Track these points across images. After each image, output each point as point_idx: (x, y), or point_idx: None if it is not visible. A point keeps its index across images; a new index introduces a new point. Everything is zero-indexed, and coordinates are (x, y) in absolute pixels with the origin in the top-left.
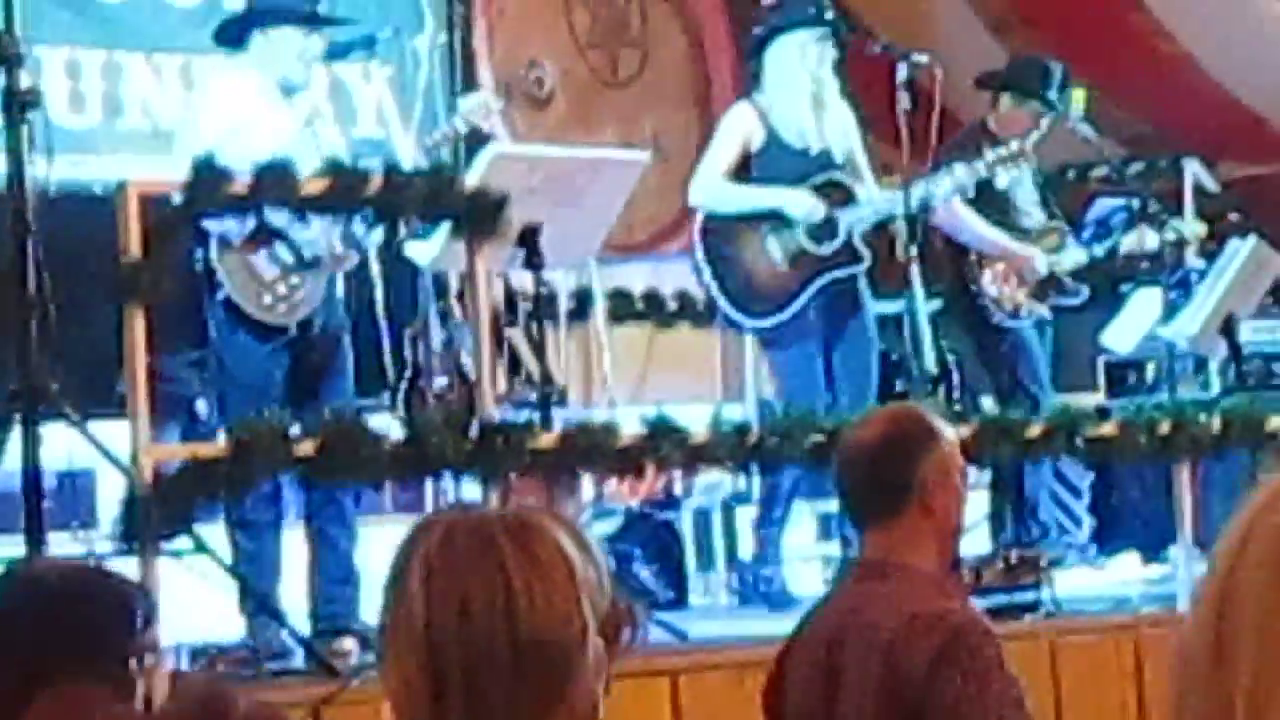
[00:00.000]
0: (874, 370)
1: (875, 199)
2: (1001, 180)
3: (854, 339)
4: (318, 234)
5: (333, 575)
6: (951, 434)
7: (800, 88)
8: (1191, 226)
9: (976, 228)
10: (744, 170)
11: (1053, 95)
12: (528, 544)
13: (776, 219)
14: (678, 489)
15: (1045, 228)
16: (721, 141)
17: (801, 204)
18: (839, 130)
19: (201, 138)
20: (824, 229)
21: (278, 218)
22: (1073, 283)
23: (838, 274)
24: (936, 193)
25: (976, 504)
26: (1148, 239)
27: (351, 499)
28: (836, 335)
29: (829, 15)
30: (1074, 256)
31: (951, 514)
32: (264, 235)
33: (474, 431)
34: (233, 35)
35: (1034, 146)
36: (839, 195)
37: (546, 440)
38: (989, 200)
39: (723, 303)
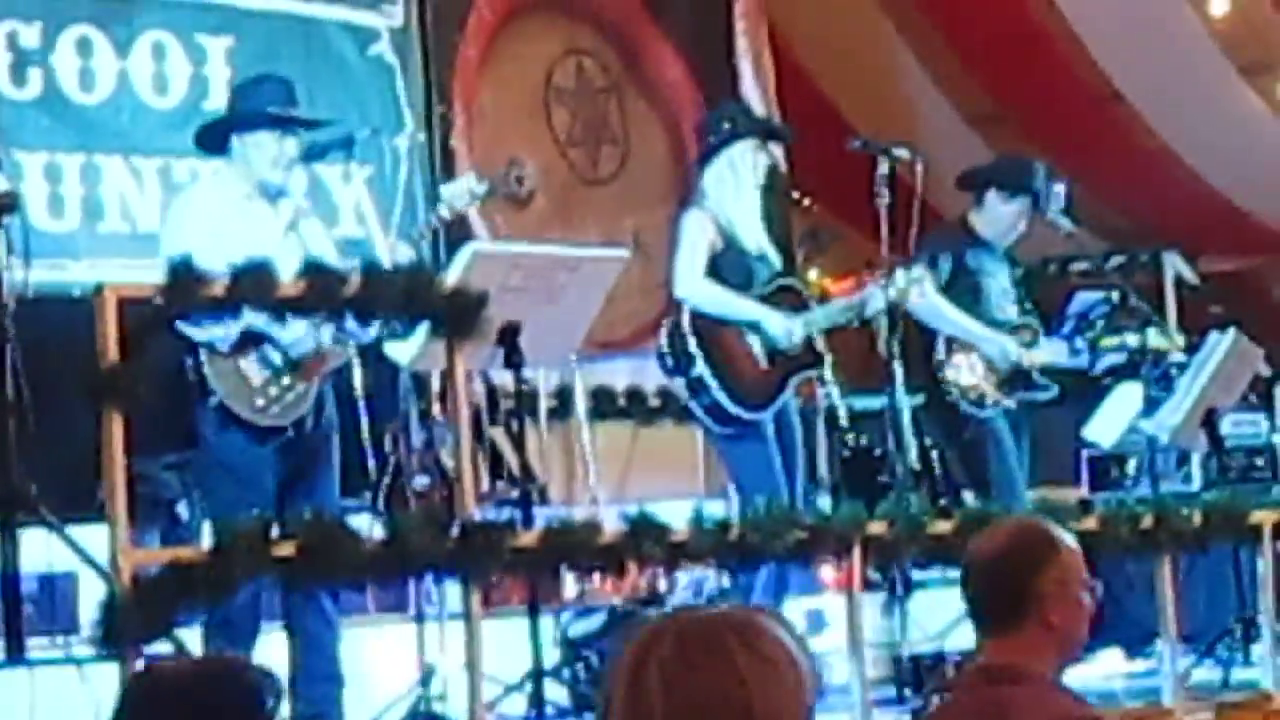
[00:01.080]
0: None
1: (827, 308)
2: (914, 297)
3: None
4: (304, 333)
5: (315, 675)
6: (1072, 545)
7: (749, 195)
8: (1171, 338)
9: (950, 314)
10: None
11: (1038, 191)
12: (755, 643)
13: (755, 327)
14: (661, 586)
15: (1018, 323)
16: (693, 244)
17: (781, 325)
18: (765, 234)
19: (184, 241)
20: None
21: (260, 320)
22: (1043, 379)
23: (806, 374)
24: (881, 300)
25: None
26: (1128, 339)
27: (330, 597)
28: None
29: (770, 123)
30: (1050, 351)
31: (1071, 624)
32: (250, 341)
33: (454, 531)
34: (212, 140)
35: (1016, 242)
36: (792, 299)
37: (527, 539)
38: (963, 288)
39: (719, 394)
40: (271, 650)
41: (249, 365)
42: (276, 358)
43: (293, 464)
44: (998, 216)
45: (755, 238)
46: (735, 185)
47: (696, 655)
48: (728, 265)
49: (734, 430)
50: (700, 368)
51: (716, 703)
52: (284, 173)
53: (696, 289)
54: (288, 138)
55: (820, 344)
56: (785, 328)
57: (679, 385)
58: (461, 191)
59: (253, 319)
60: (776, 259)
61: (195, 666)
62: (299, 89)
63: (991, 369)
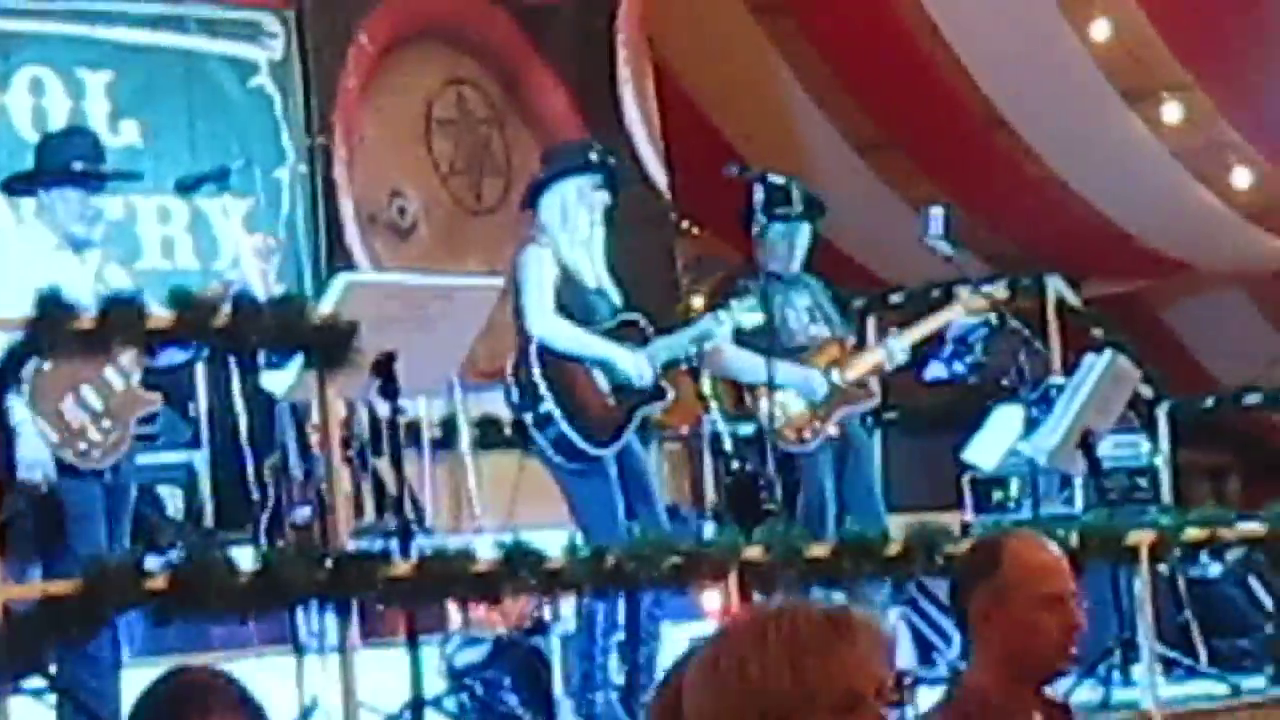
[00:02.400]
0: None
1: (667, 341)
2: (749, 320)
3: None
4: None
5: None
6: (1028, 560)
7: (582, 232)
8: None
9: (741, 363)
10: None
11: (796, 213)
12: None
13: (604, 368)
14: (546, 615)
15: (822, 342)
16: (539, 281)
17: (632, 363)
18: (604, 272)
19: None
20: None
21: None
22: (860, 391)
23: (647, 409)
24: (717, 330)
25: None
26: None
27: (111, 646)
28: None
29: (605, 161)
30: (861, 365)
31: (1016, 643)
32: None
33: (328, 562)
34: (20, 191)
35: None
36: (634, 333)
37: (402, 569)
38: (761, 328)
39: (567, 429)
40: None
41: (68, 408)
42: (96, 401)
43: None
44: (772, 243)
45: (593, 273)
46: (565, 222)
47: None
48: (569, 301)
49: (579, 466)
50: (548, 404)
51: None
52: (88, 226)
53: (550, 326)
54: (94, 194)
55: (663, 379)
56: (636, 366)
57: (526, 420)
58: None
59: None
60: (616, 294)
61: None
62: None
63: (804, 402)
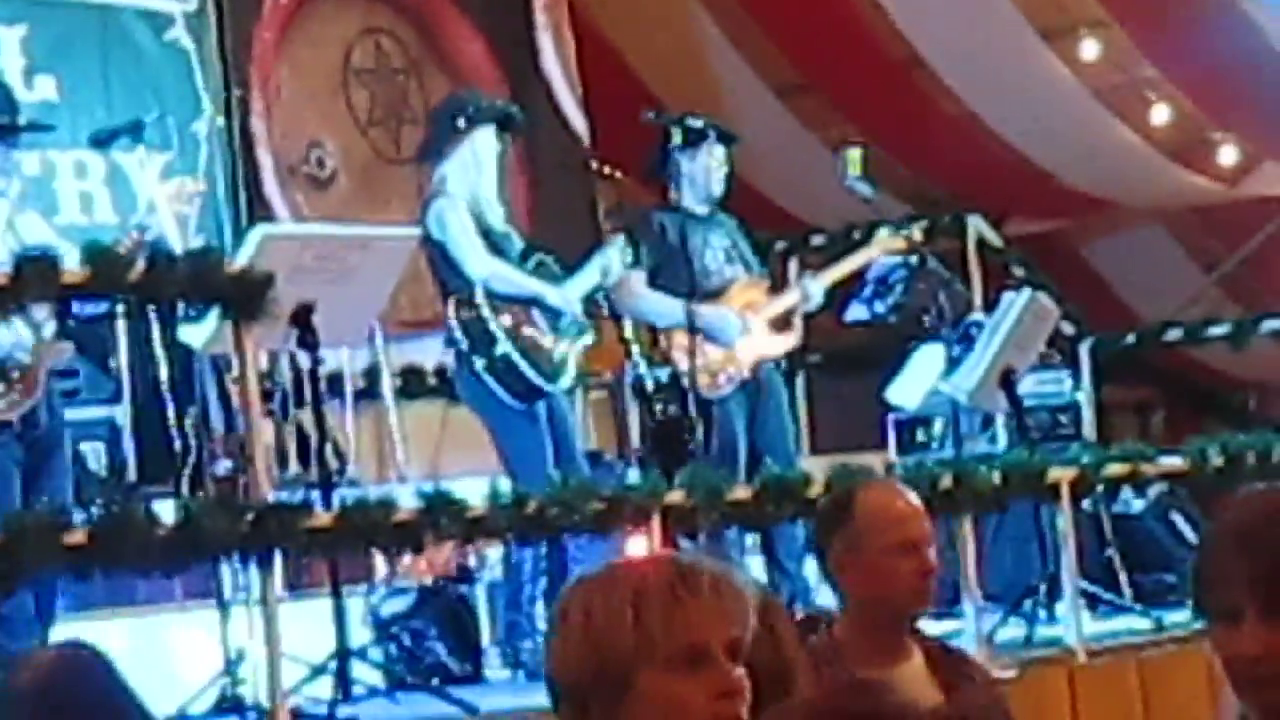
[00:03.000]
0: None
1: (576, 277)
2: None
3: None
4: (11, 341)
5: None
6: (882, 507)
7: (491, 178)
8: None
9: (648, 304)
10: None
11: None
12: None
13: (538, 305)
14: (471, 562)
15: (739, 283)
16: (464, 229)
17: (560, 298)
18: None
19: None
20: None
21: None
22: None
23: (583, 342)
24: (613, 257)
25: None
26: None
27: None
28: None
29: (505, 109)
30: (783, 302)
31: (870, 589)
32: None
33: (249, 514)
34: None
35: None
36: (548, 274)
37: (323, 519)
38: (673, 269)
39: (527, 370)
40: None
41: None
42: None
43: (30, 458)
44: (689, 178)
45: (500, 218)
46: (479, 169)
47: None
48: (488, 245)
49: (525, 408)
50: (504, 344)
51: None
52: (5, 180)
53: (491, 268)
54: (10, 148)
55: (580, 315)
56: (565, 299)
57: (478, 366)
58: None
59: None
60: (518, 238)
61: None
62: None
63: (718, 345)
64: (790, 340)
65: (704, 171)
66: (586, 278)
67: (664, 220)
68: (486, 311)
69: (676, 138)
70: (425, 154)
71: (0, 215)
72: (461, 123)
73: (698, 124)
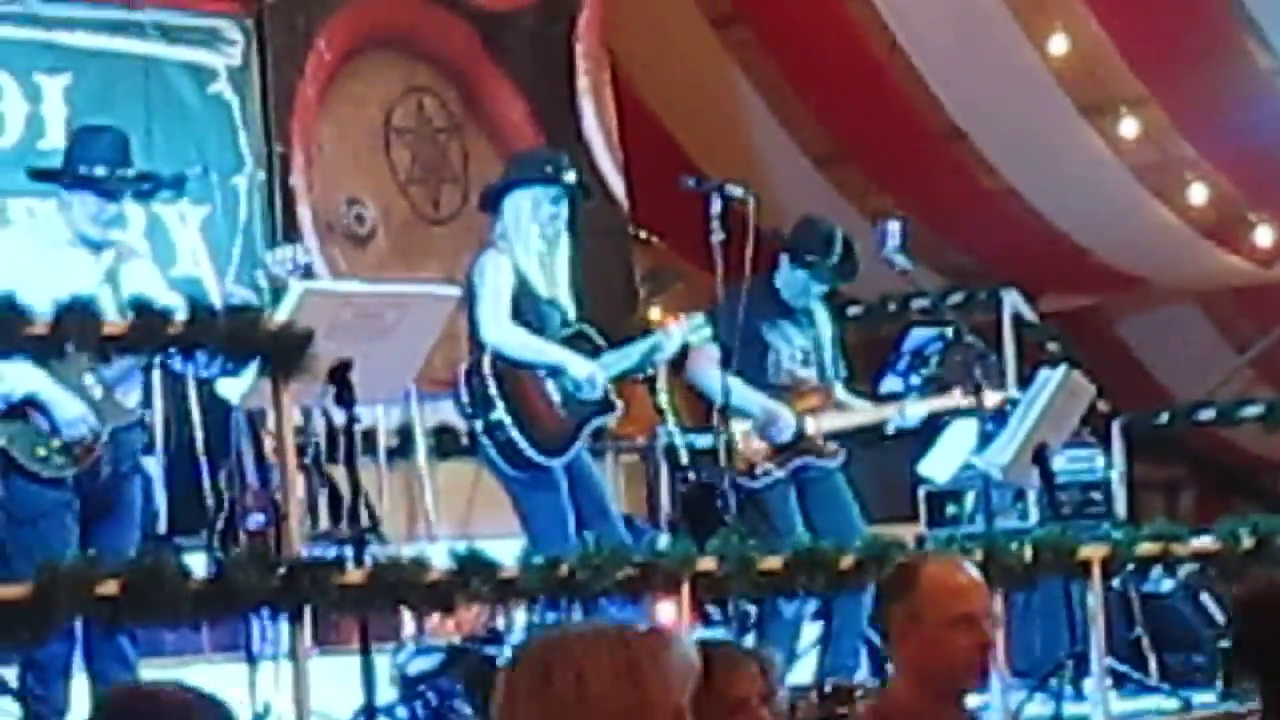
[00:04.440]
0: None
1: (619, 353)
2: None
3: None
4: (78, 416)
5: None
6: (944, 580)
7: (533, 243)
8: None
9: (714, 381)
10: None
11: (830, 264)
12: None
13: (557, 372)
14: (500, 624)
15: (808, 388)
16: (496, 288)
17: (584, 368)
18: (562, 283)
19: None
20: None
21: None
22: (829, 445)
23: (597, 422)
24: (666, 345)
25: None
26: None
27: (129, 639)
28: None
29: (562, 174)
30: (835, 420)
31: (929, 660)
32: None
33: (281, 569)
34: (44, 182)
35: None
36: (585, 345)
37: (355, 576)
38: (748, 355)
39: (518, 438)
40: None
41: (35, 415)
42: (49, 438)
43: (89, 509)
44: (790, 281)
45: (545, 283)
46: (519, 232)
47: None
48: (524, 309)
49: (528, 476)
50: (500, 411)
51: None
52: (103, 229)
53: (504, 334)
54: (113, 200)
55: (612, 391)
56: (589, 373)
57: (477, 428)
58: (285, 259)
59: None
60: (569, 307)
61: (171, 692)
62: (134, 138)
63: (768, 438)
64: (831, 457)
65: (798, 284)
66: (628, 356)
67: (753, 305)
68: (489, 376)
69: (716, 205)
70: (482, 204)
71: (103, 266)
72: (512, 180)
73: (735, 191)
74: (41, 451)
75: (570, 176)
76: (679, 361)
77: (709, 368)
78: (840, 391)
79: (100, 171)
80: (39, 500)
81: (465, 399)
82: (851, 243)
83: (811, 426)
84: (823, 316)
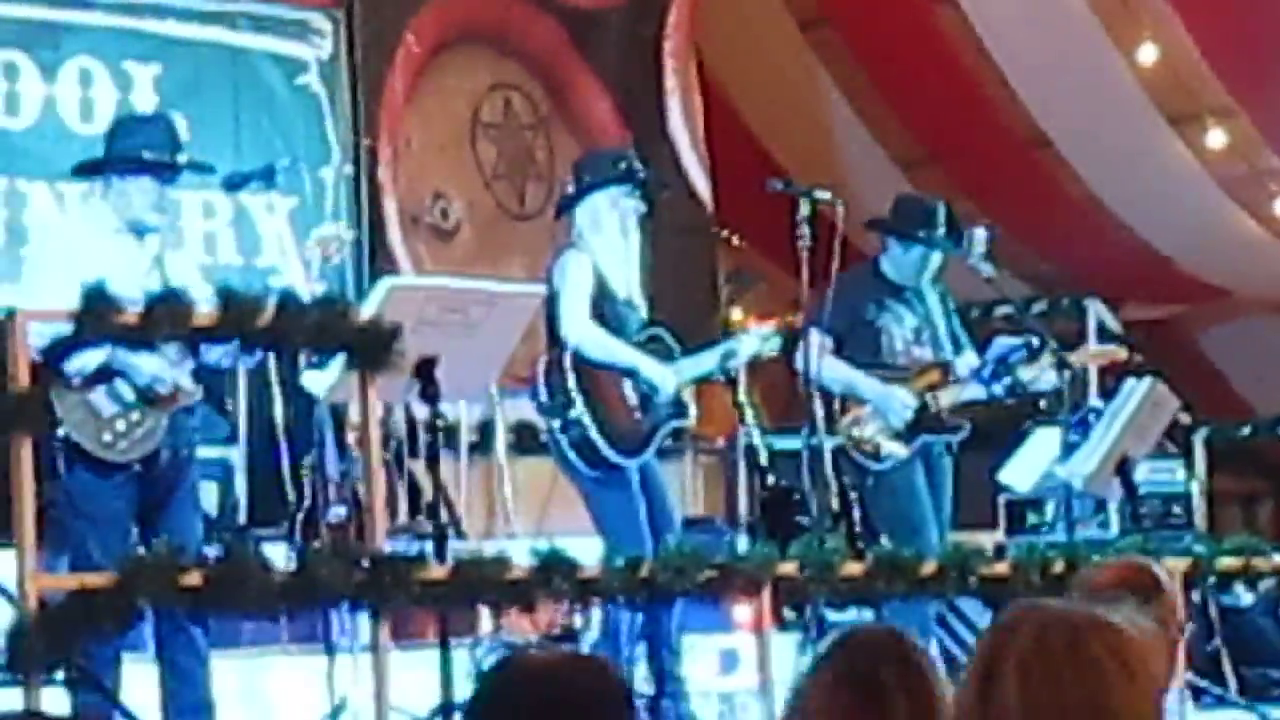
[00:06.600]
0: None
1: (695, 358)
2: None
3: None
4: (160, 369)
5: (185, 706)
6: (1173, 589)
7: (612, 243)
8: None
9: (835, 373)
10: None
11: (937, 237)
12: (1123, 652)
13: (633, 377)
14: (577, 622)
15: (923, 366)
16: (577, 287)
17: (660, 374)
18: (635, 282)
19: (51, 266)
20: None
21: (119, 354)
22: (952, 419)
23: (672, 424)
24: (739, 350)
25: None
26: (1046, 375)
27: (200, 629)
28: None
29: (635, 170)
30: (957, 393)
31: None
32: (106, 374)
33: (363, 563)
34: (91, 173)
35: (938, 277)
36: (660, 348)
37: (437, 572)
38: (861, 341)
39: (595, 436)
40: (139, 681)
41: (99, 398)
42: (128, 393)
43: (149, 497)
44: (900, 262)
45: (623, 284)
46: (597, 233)
47: (1059, 657)
48: (602, 310)
49: (601, 474)
50: (579, 409)
51: (1075, 702)
52: (159, 215)
53: (585, 333)
54: (167, 185)
55: (686, 395)
56: (663, 376)
57: (554, 425)
58: (330, 238)
59: (108, 355)
60: (643, 307)
61: (563, 657)
62: (222, 129)
63: (887, 421)
64: (956, 429)
65: (910, 264)
66: (704, 360)
67: (859, 290)
68: (570, 373)
69: (804, 208)
70: (559, 209)
71: (150, 251)
72: (583, 188)
73: (823, 195)
74: (107, 436)
75: (642, 169)
76: (778, 359)
77: (822, 356)
78: (961, 366)
79: (162, 157)
80: (96, 490)
81: (544, 396)
82: (953, 209)
83: (933, 404)
84: (933, 295)
